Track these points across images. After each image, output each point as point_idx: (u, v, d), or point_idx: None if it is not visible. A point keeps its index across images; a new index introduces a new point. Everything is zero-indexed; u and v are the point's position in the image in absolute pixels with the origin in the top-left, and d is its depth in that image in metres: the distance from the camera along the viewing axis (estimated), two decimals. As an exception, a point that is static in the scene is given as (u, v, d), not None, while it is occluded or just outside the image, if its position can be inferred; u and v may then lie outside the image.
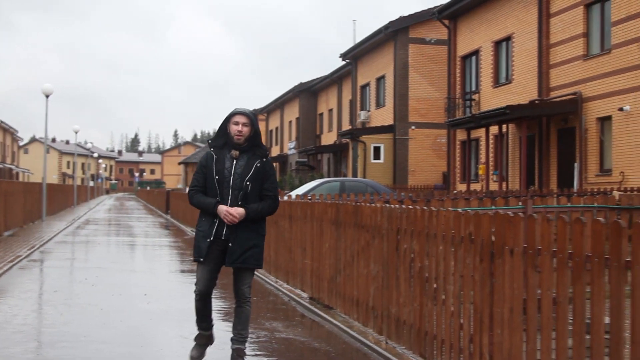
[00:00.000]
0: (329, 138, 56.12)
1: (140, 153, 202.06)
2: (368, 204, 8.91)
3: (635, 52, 23.51)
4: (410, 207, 7.49)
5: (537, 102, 28.09)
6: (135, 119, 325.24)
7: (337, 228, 9.89)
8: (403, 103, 40.81)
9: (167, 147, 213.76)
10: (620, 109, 24.02)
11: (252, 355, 7.63)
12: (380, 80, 44.34)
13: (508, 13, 31.20)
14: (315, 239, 11.00)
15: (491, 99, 32.28)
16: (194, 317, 9.60)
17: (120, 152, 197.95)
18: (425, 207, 7.16)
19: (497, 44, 32.38)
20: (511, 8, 30.93)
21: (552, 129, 28.19)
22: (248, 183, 6.85)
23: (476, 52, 34.21)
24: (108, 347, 8.09)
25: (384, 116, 43.00)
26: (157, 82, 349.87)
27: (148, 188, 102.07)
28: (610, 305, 4.41)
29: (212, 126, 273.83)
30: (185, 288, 12.86)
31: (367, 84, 46.66)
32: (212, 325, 7.28)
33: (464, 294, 6.29)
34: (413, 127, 40.67)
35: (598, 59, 25.54)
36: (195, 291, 7.00)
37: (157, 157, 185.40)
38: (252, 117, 6.98)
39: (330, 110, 57.17)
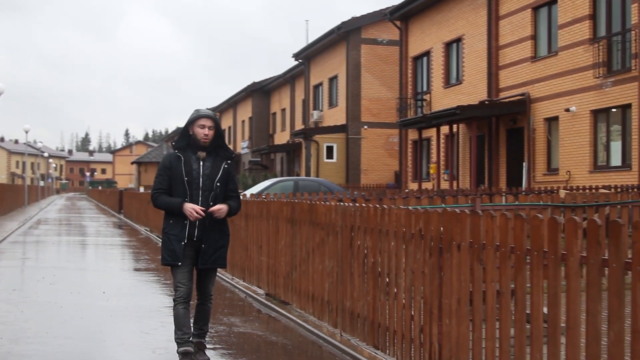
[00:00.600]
0: (282, 137, 56.38)
1: (91, 152, 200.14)
2: (323, 203, 9.24)
3: (580, 54, 24.18)
4: (364, 205, 7.83)
5: (486, 102, 28.69)
6: (86, 118, 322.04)
7: (292, 226, 10.19)
8: (355, 103, 41.24)
9: (119, 146, 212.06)
10: (567, 110, 24.68)
11: (212, 349, 7.88)
12: (332, 80, 44.74)
13: (458, 15, 31.78)
14: (271, 236, 11.29)
15: (442, 99, 32.84)
16: (152, 314, 9.94)
17: (70, 152, 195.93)
18: (377, 205, 7.50)
19: (448, 45, 32.96)
20: (461, 10, 31.50)
21: (502, 129, 28.82)
22: (218, 184, 6.94)
23: (427, 53, 34.76)
24: (72, 342, 8.31)
25: (336, 116, 43.40)
26: (107, 80, 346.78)
27: (100, 188, 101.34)
28: (548, 295, 4.78)
29: (163, 125, 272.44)
30: (142, 286, 13.08)
31: (320, 84, 47.03)
32: (192, 332, 7.15)
33: (414, 287, 6.63)
34: (365, 127, 41.13)
35: (545, 60, 26.20)
36: (176, 295, 6.95)
37: (108, 157, 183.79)
38: (216, 119, 7.05)
39: (283, 110, 57.46)
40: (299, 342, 8.43)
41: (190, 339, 7.02)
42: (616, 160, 23.27)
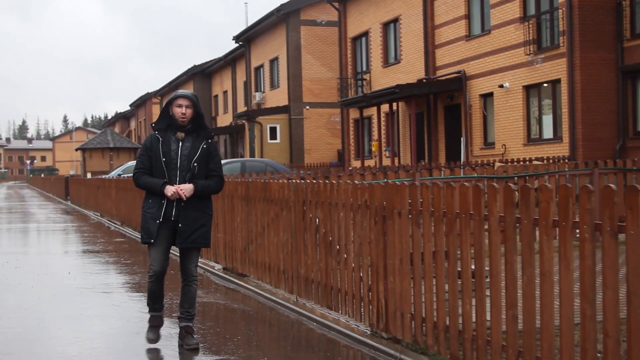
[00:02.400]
0: (224, 120, 56.86)
1: (30, 140, 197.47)
2: (276, 181, 10.07)
3: (512, 32, 25.29)
4: (315, 181, 8.68)
5: (424, 80, 29.71)
6: (21, 104, 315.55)
7: (247, 203, 11.00)
8: (297, 84, 41.95)
9: (58, 133, 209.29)
10: (501, 86, 25.80)
11: (175, 316, 8.66)
12: (273, 61, 45.36)
13: (395, -4, 32.66)
14: (227, 214, 12.08)
15: (381, 78, 33.77)
16: (119, 289, 10.68)
17: (8, 140, 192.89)
18: (327, 181, 8.36)
19: (386, 25, 33.85)
20: (398, -9, 32.39)
21: (440, 106, 29.88)
22: (195, 164, 7.02)
23: (366, 34, 35.62)
24: (50, 316, 9.03)
25: (278, 97, 44.07)
26: (39, 64, 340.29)
27: (42, 175, 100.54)
28: (475, 250, 5.69)
29: (102, 110, 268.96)
30: (103, 266, 13.76)
31: (261, 66, 47.61)
32: (164, 306, 7.42)
33: (362, 252, 7.51)
34: (307, 107, 41.89)
35: (479, 39, 27.28)
36: (150, 272, 7.12)
37: (47, 144, 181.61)
38: (195, 99, 7.11)
39: (225, 92, 57.89)
40: (258, 308, 9.25)
41: (162, 309, 7.27)
42: (548, 133, 24.48)
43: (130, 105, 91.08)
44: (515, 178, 13.10)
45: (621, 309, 4.40)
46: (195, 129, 7.16)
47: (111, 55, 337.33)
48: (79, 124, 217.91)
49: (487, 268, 5.60)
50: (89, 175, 42.07)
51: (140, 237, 7.36)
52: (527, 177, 13.27)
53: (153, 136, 7.20)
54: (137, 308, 9.36)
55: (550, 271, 4.88)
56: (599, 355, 4.60)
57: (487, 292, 5.58)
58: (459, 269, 5.97)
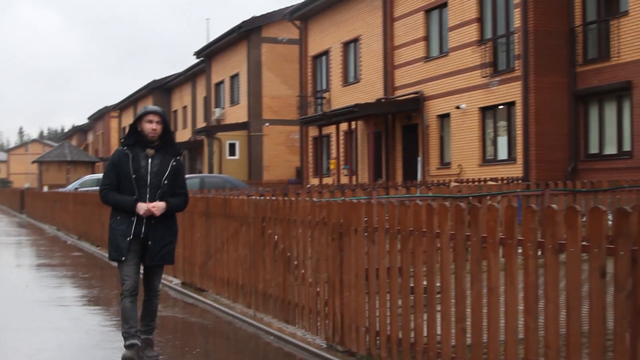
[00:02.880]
0: (184, 135, 56.83)
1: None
2: (235, 197, 10.28)
3: (469, 55, 25.80)
4: (274, 198, 8.90)
5: (383, 100, 30.10)
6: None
7: (207, 219, 11.18)
8: (257, 100, 42.17)
9: (13, 144, 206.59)
10: (457, 107, 26.28)
11: (140, 329, 8.80)
12: (234, 78, 45.55)
13: (356, 16, 33.09)
14: (186, 229, 12.23)
15: (341, 97, 34.13)
16: (77, 303, 10.78)
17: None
18: (286, 198, 8.59)
19: (346, 45, 34.26)
20: (358, 11, 32.83)
21: (398, 126, 30.29)
22: (165, 181, 7.00)
23: (326, 53, 35.99)
24: (11, 327, 9.12)
25: (238, 113, 44.24)
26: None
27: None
28: (427, 267, 5.95)
29: (59, 123, 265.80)
30: (60, 280, 13.81)
31: (222, 82, 47.77)
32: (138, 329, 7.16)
33: (319, 267, 7.74)
34: (267, 124, 42.10)
35: (437, 61, 27.77)
36: (124, 289, 6.99)
37: (2, 156, 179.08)
38: (164, 115, 7.13)
39: (185, 107, 57.91)
40: (216, 322, 9.43)
41: (138, 333, 7.07)
42: (503, 154, 24.97)
43: (88, 119, 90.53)
44: (470, 198, 13.44)
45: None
46: (163, 146, 7.11)
47: (69, 67, 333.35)
48: (35, 136, 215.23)
49: (438, 284, 5.86)
50: (45, 189, 41.84)
51: (108, 254, 7.23)
52: (480, 197, 13.61)
53: (121, 152, 7.08)
54: (96, 321, 9.50)
55: (497, 286, 5.15)
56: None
57: (438, 307, 5.83)
58: (412, 285, 6.22)
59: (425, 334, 5.99)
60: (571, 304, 4.51)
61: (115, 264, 7.30)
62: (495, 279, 5.15)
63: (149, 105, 7.39)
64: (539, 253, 4.79)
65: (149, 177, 7.00)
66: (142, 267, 7.19)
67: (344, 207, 7.10)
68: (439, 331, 5.83)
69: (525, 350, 4.86)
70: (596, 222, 4.31)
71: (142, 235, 6.99)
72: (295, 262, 8.27)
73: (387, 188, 16.12)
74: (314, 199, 8.00)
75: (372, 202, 6.71)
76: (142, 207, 6.89)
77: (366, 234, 6.76)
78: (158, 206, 6.93)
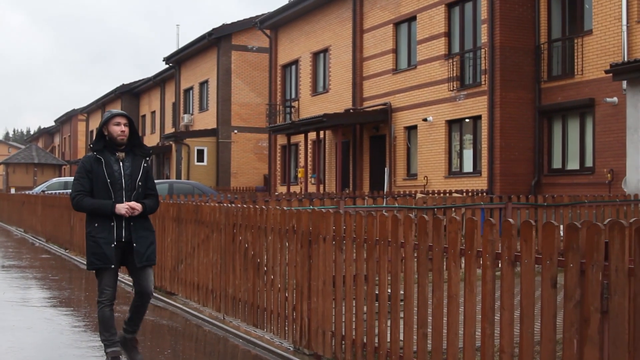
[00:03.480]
0: (151, 140, 56.82)
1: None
2: (207, 204, 10.55)
3: (437, 68, 26.26)
4: (245, 206, 9.19)
5: (351, 111, 30.49)
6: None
7: (178, 224, 11.43)
8: (226, 108, 42.38)
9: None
10: (424, 120, 26.70)
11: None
12: (203, 84, 45.73)
13: (325, 27, 33.46)
14: (157, 234, 12.45)
15: (310, 106, 34.47)
16: (49, 304, 10.96)
17: None
18: (257, 206, 8.88)
19: (316, 55, 34.61)
20: (328, 22, 33.21)
21: (365, 136, 30.68)
22: (140, 183, 7.03)
23: (296, 62, 36.32)
24: (-19, 327, 9.32)
25: (207, 120, 44.40)
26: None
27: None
28: (391, 274, 6.27)
29: (25, 124, 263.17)
30: (31, 281, 13.95)
31: (191, 88, 47.92)
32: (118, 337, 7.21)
33: (288, 274, 8.03)
34: (236, 131, 42.32)
35: (405, 73, 28.21)
36: (103, 300, 6.95)
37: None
38: (130, 117, 7.13)
39: (153, 113, 57.92)
40: (186, 325, 9.68)
41: (118, 340, 7.09)
42: (468, 166, 25.44)
43: (55, 121, 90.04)
44: (435, 210, 13.80)
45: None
46: (132, 148, 7.11)
47: (34, 68, 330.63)
48: (0, 137, 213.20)
49: (402, 292, 6.18)
50: (12, 191, 41.67)
51: (87, 263, 7.08)
52: (445, 209, 13.98)
53: (92, 157, 7.03)
54: (68, 321, 9.72)
55: (457, 294, 5.48)
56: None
57: (402, 314, 6.15)
58: (377, 292, 6.54)
59: (388, 339, 6.30)
60: (524, 312, 4.85)
61: (88, 271, 7.27)
62: (456, 288, 5.48)
63: (116, 109, 7.43)
64: (497, 264, 5.13)
65: (123, 181, 6.98)
66: (127, 273, 7.15)
67: (313, 216, 7.41)
68: (401, 336, 6.15)
69: (482, 355, 5.20)
70: (548, 236, 4.65)
71: (123, 239, 6.95)
72: (265, 268, 8.56)
73: (354, 198, 16.46)
74: (284, 208, 8.29)
75: (340, 212, 7.02)
76: (122, 207, 6.87)
77: (334, 242, 7.06)
78: (136, 206, 6.94)
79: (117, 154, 7.03)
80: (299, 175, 34.14)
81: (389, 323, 6.33)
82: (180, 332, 9.37)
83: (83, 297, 12.46)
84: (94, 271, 7.03)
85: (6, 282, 13.69)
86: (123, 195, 6.97)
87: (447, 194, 21.92)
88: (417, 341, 5.86)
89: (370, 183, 30.20)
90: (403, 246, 6.07)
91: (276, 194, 28.50)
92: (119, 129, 6.97)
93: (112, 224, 6.93)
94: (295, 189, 33.99)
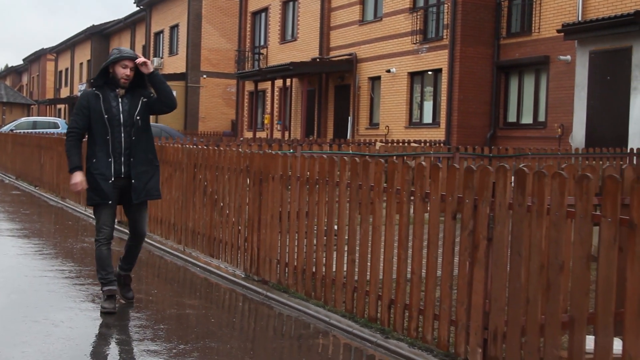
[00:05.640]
0: (121, 82, 56.96)
1: None
2: (171, 145, 11.38)
3: (401, 21, 27.02)
4: (205, 147, 10.05)
5: (317, 60, 31.22)
6: None
7: (144, 164, 12.25)
8: (195, 52, 42.86)
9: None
10: (388, 71, 27.55)
11: (71, 265, 9.89)
12: (174, 28, 46.07)
13: (295, -24, 34.00)
14: (124, 173, 13.29)
15: (278, 54, 35.11)
16: (19, 234, 11.78)
17: None
18: (215, 148, 9.74)
19: (285, 3, 35.16)
20: (298, -28, 33.74)
21: (331, 85, 31.48)
22: (138, 117, 6.99)
23: (266, 9, 36.84)
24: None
25: (176, 64, 44.86)
26: None
27: None
28: (328, 210, 7.18)
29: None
30: (2, 215, 14.73)
31: (161, 32, 48.23)
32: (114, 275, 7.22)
33: (241, 208, 8.93)
34: (204, 76, 42.86)
35: (371, 25, 28.95)
36: (100, 236, 6.98)
37: None
38: (135, 56, 7.09)
39: (124, 55, 57.97)
40: (149, 256, 10.55)
41: (115, 279, 7.11)
42: (428, 118, 26.40)
43: (24, 60, 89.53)
44: (386, 158, 14.71)
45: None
46: (133, 87, 7.07)
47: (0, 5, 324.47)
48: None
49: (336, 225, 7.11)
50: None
51: (87, 198, 7.09)
52: (395, 157, 14.91)
53: (90, 93, 7.01)
54: (36, 249, 10.57)
55: (379, 225, 6.41)
56: (407, 284, 6.16)
57: (336, 243, 7.08)
58: (316, 225, 7.46)
59: (324, 264, 7.24)
60: (431, 240, 5.79)
61: (82, 208, 7.63)
62: (378, 220, 6.40)
63: (122, 47, 7.60)
64: (411, 199, 6.05)
65: (121, 116, 6.94)
66: (123, 209, 7.28)
67: (264, 158, 8.28)
68: (335, 263, 7.08)
69: (397, 275, 6.14)
70: (451, 177, 5.57)
71: (122, 175, 6.95)
72: (222, 204, 9.44)
73: (310, 144, 17.30)
74: (239, 150, 9.16)
75: (287, 154, 7.90)
76: (76, 177, 6.97)
77: (281, 180, 7.94)
78: (148, 62, 6.98)
79: (117, 90, 6.99)
80: (266, 121, 34.90)
81: (324, 252, 7.25)
82: (143, 261, 10.19)
83: (53, 229, 13.30)
84: (92, 208, 7.12)
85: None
86: (121, 131, 6.93)
87: (407, 144, 22.85)
88: (347, 266, 6.80)
89: (334, 131, 31.06)
90: (338, 185, 6.97)
91: (241, 139, 29.27)
92: (124, 72, 6.93)
93: (110, 159, 6.91)
94: (261, 135, 34.76)
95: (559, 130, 21.99)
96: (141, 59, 6.97)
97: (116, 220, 7.78)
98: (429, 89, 26.36)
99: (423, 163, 5.85)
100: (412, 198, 6.02)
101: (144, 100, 7.07)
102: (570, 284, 4.85)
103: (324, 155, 7.19)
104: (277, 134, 33.37)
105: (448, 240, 5.62)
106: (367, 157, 14.80)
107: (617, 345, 4.45)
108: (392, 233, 6.25)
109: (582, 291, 4.57)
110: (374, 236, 6.43)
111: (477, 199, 5.35)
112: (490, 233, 5.23)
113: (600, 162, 16.48)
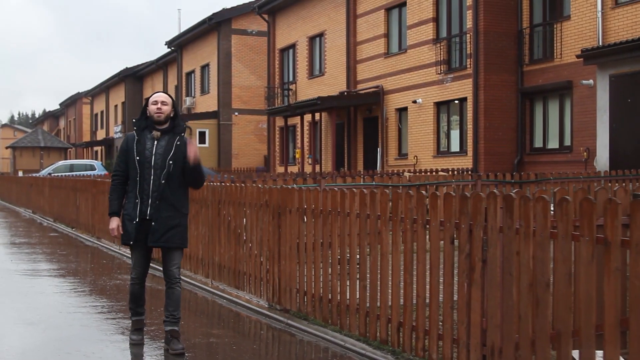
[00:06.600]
0: (155, 122, 57.88)
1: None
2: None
3: (426, 52, 27.46)
4: (227, 184, 10.50)
5: (345, 93, 31.73)
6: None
7: (172, 202, 12.73)
8: (226, 90, 43.57)
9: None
10: (414, 102, 27.94)
11: (110, 301, 10.34)
12: (204, 68, 46.91)
13: (321, 12, 34.64)
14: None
15: (306, 89, 35.70)
16: (56, 274, 12.30)
17: None
18: (237, 184, 10.19)
19: (312, 39, 35.79)
20: (323, 7, 34.38)
21: (359, 118, 31.94)
22: (170, 162, 6.95)
23: (293, 46, 37.49)
24: (4, 291, 10.68)
25: (208, 102, 45.62)
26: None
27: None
28: (339, 239, 7.56)
29: (29, 107, 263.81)
30: (40, 255, 15.28)
31: (192, 71, 49.12)
32: (145, 310, 7.48)
33: (262, 241, 9.34)
34: (236, 113, 43.53)
35: (396, 57, 29.42)
36: (132, 275, 7.19)
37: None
38: (171, 97, 7.23)
39: (157, 96, 58.97)
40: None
41: (143, 312, 7.36)
42: (455, 146, 26.71)
43: (60, 105, 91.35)
44: (408, 187, 15.07)
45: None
46: (173, 128, 7.13)
47: (35, 50, 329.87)
48: (5, 120, 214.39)
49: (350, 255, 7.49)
50: (20, 173, 43.07)
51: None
52: (419, 186, 15.26)
53: (130, 136, 7.17)
54: (72, 287, 11.06)
55: (387, 252, 6.78)
56: (414, 305, 6.51)
57: (349, 271, 7.45)
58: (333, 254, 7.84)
59: (338, 291, 7.60)
60: (432, 263, 6.15)
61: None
62: (386, 247, 6.77)
63: (158, 91, 7.70)
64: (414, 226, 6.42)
65: (153, 159, 6.96)
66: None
67: (281, 192, 8.70)
68: (348, 289, 7.45)
69: (404, 298, 6.50)
70: (447, 204, 5.93)
71: (147, 217, 6.93)
72: (244, 238, 9.86)
73: (334, 177, 17.72)
74: (259, 185, 9.59)
75: (301, 188, 8.31)
76: (112, 223, 7.16)
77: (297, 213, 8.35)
78: (195, 151, 7.01)
79: (153, 132, 7.07)
80: (297, 155, 35.39)
81: (338, 279, 7.62)
82: (173, 295, 10.67)
83: (89, 268, 13.80)
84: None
85: (18, 257, 15.02)
86: (151, 173, 6.94)
87: (434, 173, 23.15)
88: (359, 292, 7.16)
89: (364, 163, 31.45)
90: (348, 215, 7.36)
91: (270, 174, 29.77)
92: (155, 107, 7.03)
93: (137, 200, 6.97)
94: (293, 169, 35.24)
95: (585, 154, 22.18)
96: (192, 152, 6.98)
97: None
98: (455, 118, 26.70)
99: (445, 192, 6.23)
100: (414, 225, 6.38)
101: (178, 143, 7.04)
102: (552, 300, 5.18)
103: (344, 189, 7.58)
104: (308, 168, 33.82)
105: (447, 263, 5.98)
106: (382, 187, 15.20)
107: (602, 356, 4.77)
108: (398, 259, 6.61)
109: (566, 306, 4.90)
110: (382, 263, 6.80)
111: (472, 223, 5.70)
112: (485, 255, 5.57)
113: (623, 184, 16.69)
